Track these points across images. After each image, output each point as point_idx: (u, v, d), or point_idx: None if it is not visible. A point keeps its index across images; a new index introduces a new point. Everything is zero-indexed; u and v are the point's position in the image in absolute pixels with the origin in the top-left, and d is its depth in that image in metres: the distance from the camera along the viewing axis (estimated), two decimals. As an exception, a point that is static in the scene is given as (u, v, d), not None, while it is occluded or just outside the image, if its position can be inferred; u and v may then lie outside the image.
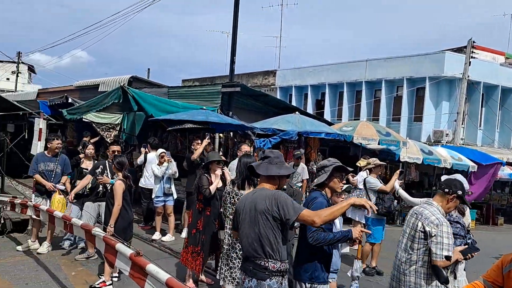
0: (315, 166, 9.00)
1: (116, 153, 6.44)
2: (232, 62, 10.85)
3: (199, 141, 7.99)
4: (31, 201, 6.47)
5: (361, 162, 8.84)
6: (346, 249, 4.25)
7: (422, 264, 3.30)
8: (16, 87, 33.98)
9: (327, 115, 21.20)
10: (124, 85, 9.12)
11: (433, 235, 3.21)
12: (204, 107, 8.89)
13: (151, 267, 3.10)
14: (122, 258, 3.54)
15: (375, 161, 6.90)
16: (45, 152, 6.62)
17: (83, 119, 10.23)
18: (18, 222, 7.26)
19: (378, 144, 11.12)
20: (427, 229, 3.24)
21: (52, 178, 6.40)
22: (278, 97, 22.28)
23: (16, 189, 11.28)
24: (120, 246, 3.57)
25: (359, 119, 18.24)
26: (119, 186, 5.08)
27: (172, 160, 7.69)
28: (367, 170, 6.98)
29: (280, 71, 24.90)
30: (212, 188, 5.10)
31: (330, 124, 12.50)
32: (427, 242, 3.26)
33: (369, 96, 20.70)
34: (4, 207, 7.37)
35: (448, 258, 3.18)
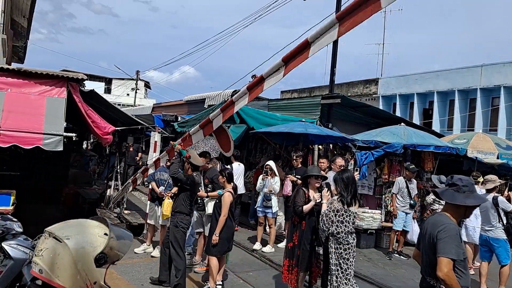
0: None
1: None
2: (332, 73, 10.67)
3: (299, 154, 8.03)
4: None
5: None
6: None
7: None
8: (134, 102, 37.92)
9: (435, 126, 19.74)
10: (227, 100, 9.57)
11: None
12: (303, 119, 8.92)
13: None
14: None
15: (495, 179, 6.35)
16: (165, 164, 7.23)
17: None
18: (136, 226, 8.04)
19: (497, 158, 9.99)
20: None
21: (164, 187, 6.98)
22: (381, 106, 21.41)
23: (133, 194, 12.53)
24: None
25: (473, 130, 16.66)
26: (227, 198, 5.29)
27: (277, 175, 7.66)
28: (483, 189, 6.46)
29: (383, 79, 23.92)
30: (306, 208, 5.02)
31: (439, 135, 11.59)
32: None
33: (485, 104, 18.79)
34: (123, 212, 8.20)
35: None
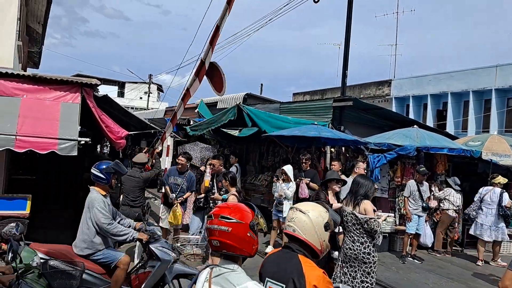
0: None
1: (213, 166, 6.75)
2: (344, 75, 10.62)
3: (307, 156, 8.03)
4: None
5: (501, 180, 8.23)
6: None
7: None
8: (147, 105, 38.24)
9: (449, 127, 19.49)
10: (239, 104, 9.60)
11: None
12: (316, 122, 8.89)
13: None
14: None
15: None
16: (177, 167, 7.28)
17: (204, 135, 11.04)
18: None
19: (513, 160, 9.81)
20: None
21: (177, 192, 7.02)
22: (394, 108, 21.24)
23: (147, 197, 12.63)
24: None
25: (488, 132, 16.42)
26: (232, 201, 5.31)
27: (292, 181, 7.59)
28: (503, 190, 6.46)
29: (396, 80, 23.71)
30: None
31: (453, 137, 11.44)
32: None
33: (500, 105, 18.48)
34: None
35: None
